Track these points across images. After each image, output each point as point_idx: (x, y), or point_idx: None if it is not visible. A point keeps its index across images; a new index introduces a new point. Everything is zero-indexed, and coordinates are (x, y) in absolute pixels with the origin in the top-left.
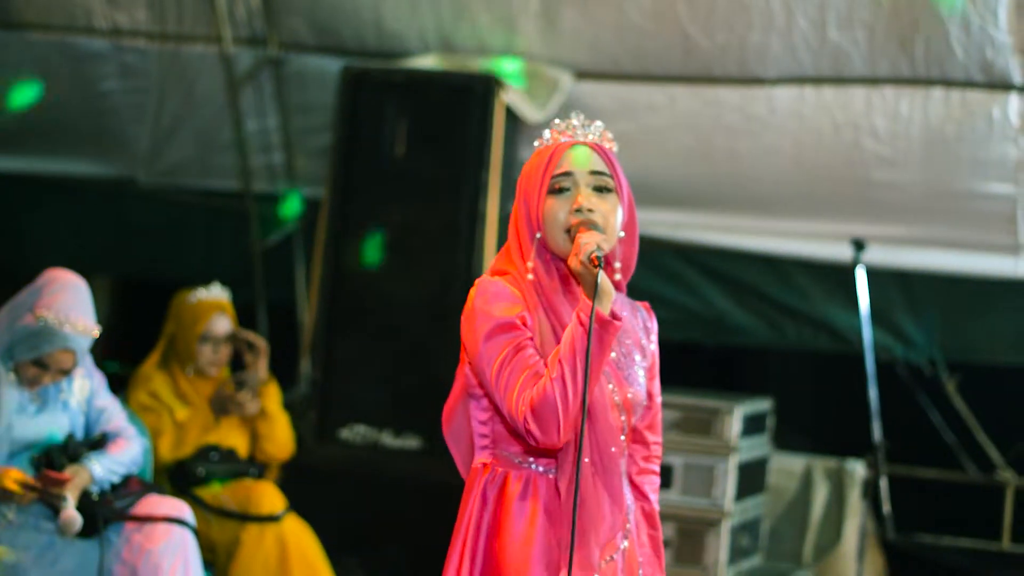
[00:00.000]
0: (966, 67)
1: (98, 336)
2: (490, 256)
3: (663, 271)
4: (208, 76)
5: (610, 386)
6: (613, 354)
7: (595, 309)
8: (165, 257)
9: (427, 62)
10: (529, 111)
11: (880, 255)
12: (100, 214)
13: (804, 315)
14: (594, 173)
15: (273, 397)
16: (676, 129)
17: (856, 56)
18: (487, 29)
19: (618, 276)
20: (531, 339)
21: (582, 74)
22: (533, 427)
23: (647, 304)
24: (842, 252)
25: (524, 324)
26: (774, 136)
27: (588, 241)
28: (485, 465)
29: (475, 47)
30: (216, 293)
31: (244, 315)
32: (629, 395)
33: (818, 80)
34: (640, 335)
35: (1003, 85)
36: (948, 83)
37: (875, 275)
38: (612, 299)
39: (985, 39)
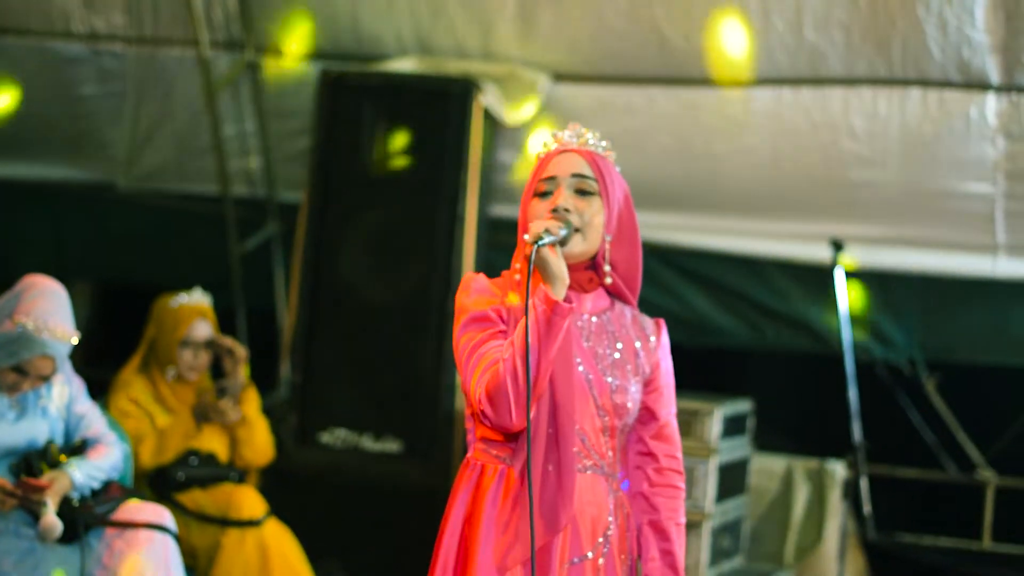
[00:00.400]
0: (943, 67)
1: (77, 342)
2: (468, 258)
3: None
4: (185, 80)
5: (589, 385)
6: (603, 350)
7: (529, 287)
8: (144, 262)
9: (404, 65)
10: (507, 113)
11: (859, 255)
12: (79, 219)
13: (783, 316)
14: (576, 176)
15: (252, 402)
16: (654, 130)
17: (833, 56)
18: (464, 31)
19: (608, 280)
20: (503, 332)
21: (559, 76)
22: (487, 408)
23: (661, 320)
24: (821, 253)
25: (500, 317)
26: (752, 137)
27: (537, 225)
28: (467, 460)
29: (452, 50)
30: (197, 298)
31: (223, 319)
32: (614, 398)
33: (795, 81)
34: (636, 346)
35: (980, 85)
36: (925, 83)
37: (854, 275)
38: (564, 284)
39: (962, 39)
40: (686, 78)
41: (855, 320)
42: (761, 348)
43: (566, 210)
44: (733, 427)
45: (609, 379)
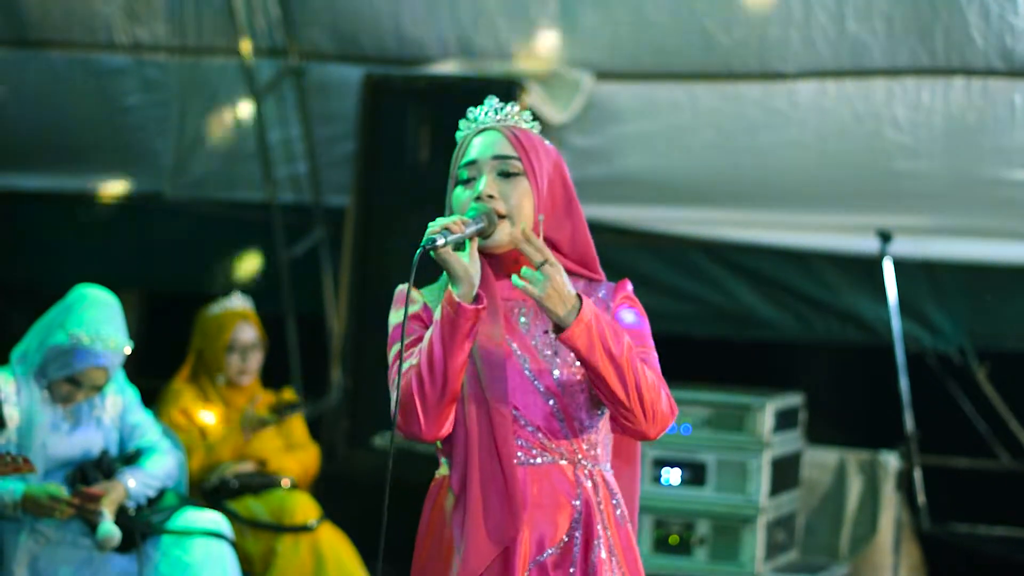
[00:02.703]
0: (986, 55)
1: (130, 352)
2: None
3: (689, 268)
4: (230, 88)
5: (527, 372)
6: (542, 331)
7: (409, 294)
8: (193, 270)
9: (447, 67)
10: (551, 113)
11: (906, 246)
12: (127, 229)
13: (832, 308)
14: (498, 158)
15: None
16: (698, 126)
17: (875, 47)
18: (506, 32)
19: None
20: (422, 338)
21: (602, 74)
22: (399, 417)
23: (624, 281)
24: (868, 244)
25: (420, 320)
26: (796, 130)
27: (434, 224)
28: (435, 475)
29: (494, 51)
30: (238, 302)
31: (273, 326)
32: (559, 377)
33: (838, 73)
34: None
35: None
36: (968, 72)
37: (901, 265)
38: (471, 283)
39: (1004, 26)
40: (729, 72)
41: (903, 310)
42: (810, 341)
43: (490, 196)
44: (785, 421)
45: (546, 358)
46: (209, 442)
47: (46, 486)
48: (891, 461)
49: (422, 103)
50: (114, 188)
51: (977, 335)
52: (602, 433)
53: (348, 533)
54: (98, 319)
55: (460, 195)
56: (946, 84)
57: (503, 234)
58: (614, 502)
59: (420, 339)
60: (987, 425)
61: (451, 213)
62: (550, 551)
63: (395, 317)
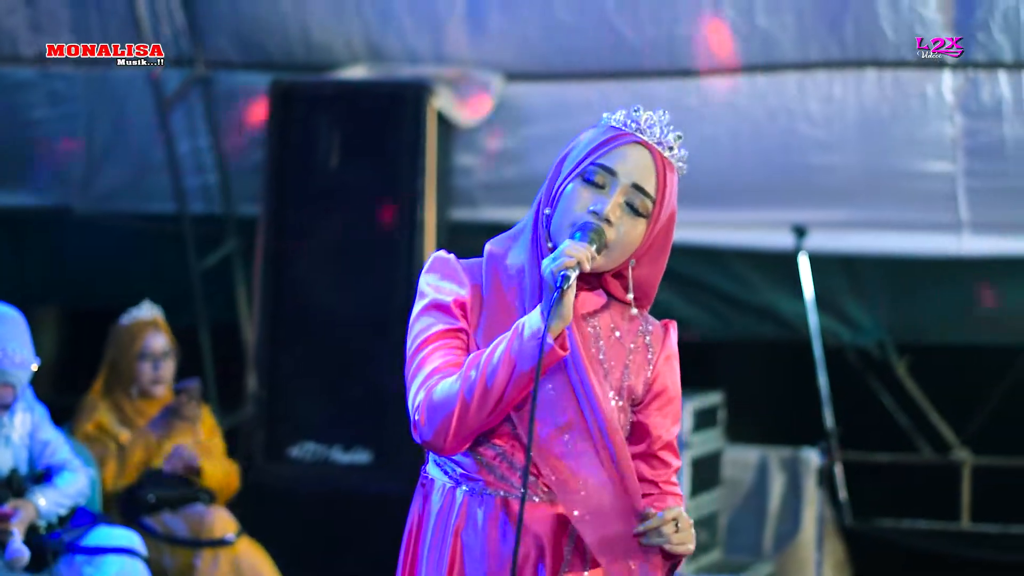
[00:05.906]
0: (897, 47)
1: (37, 369)
2: None
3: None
4: (137, 99)
5: (589, 416)
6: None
7: (545, 332)
8: (106, 284)
9: (356, 72)
10: (461, 115)
11: (822, 240)
12: (39, 244)
13: (749, 305)
14: (637, 188)
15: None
16: None
17: (786, 41)
18: (414, 36)
19: (634, 310)
20: (461, 331)
21: (512, 76)
22: (422, 420)
23: (669, 323)
24: (783, 240)
25: (462, 308)
26: (708, 127)
27: (571, 254)
28: (422, 471)
29: (403, 55)
30: (147, 311)
31: (187, 337)
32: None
33: (749, 68)
34: (627, 356)
35: (935, 63)
36: (880, 64)
37: (818, 260)
38: (566, 322)
39: (914, 17)
40: (639, 71)
41: (821, 305)
42: (728, 338)
43: (608, 221)
44: (704, 420)
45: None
46: (119, 448)
47: None
48: (812, 458)
49: (331, 109)
50: (23, 204)
51: (896, 328)
52: None
53: (267, 545)
54: (3, 335)
55: (577, 192)
56: (858, 77)
57: (597, 262)
58: None
59: (451, 331)
60: (908, 419)
61: (555, 201)
62: None
63: (434, 290)
